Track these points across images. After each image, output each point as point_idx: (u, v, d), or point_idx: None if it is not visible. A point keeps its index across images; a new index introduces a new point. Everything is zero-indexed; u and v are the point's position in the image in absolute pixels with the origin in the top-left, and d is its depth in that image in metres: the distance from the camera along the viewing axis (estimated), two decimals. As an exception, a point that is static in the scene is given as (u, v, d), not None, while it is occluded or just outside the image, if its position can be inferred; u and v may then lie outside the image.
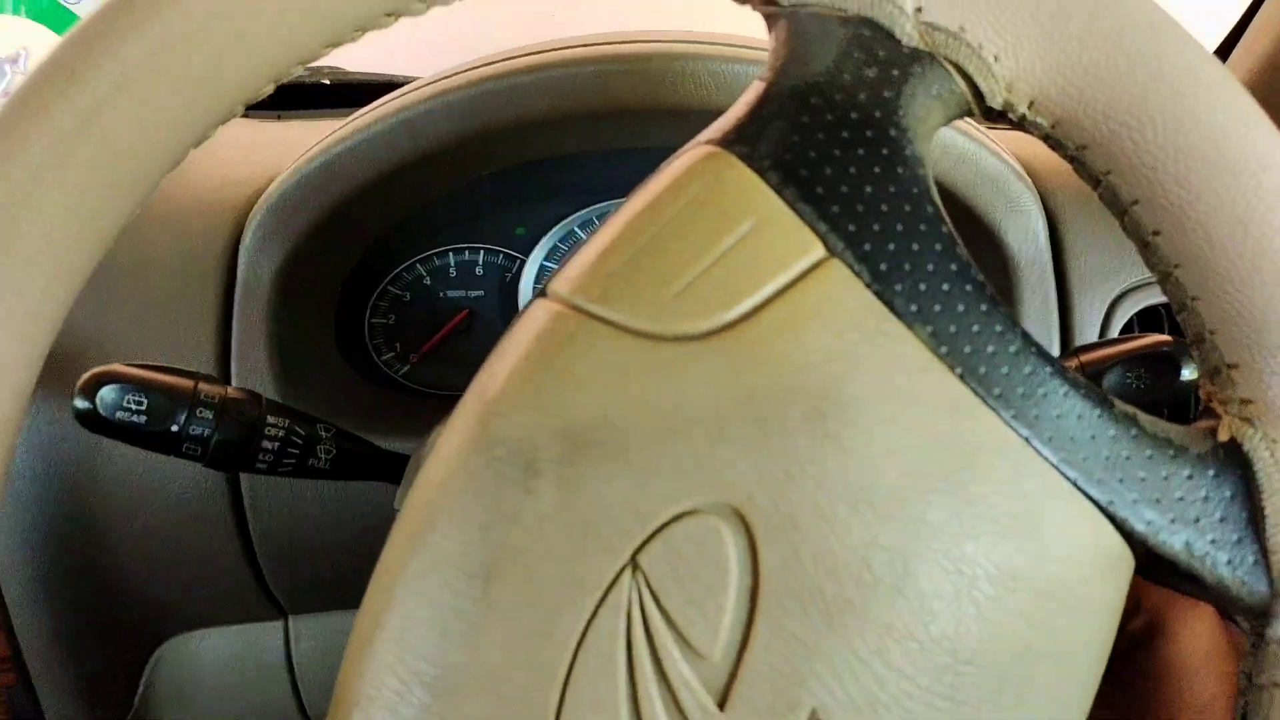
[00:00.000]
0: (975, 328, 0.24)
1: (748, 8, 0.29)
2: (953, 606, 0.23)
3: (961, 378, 0.24)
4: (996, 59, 0.25)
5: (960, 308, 0.24)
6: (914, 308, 0.24)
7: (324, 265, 0.52)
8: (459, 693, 0.23)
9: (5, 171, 0.23)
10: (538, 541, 0.23)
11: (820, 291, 0.24)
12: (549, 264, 0.57)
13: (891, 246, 0.24)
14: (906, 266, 0.24)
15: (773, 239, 0.24)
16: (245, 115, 0.76)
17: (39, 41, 0.64)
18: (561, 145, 0.52)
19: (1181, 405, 0.34)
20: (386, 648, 0.23)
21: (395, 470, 0.41)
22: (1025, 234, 0.48)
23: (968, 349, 0.24)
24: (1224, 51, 0.54)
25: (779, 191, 0.24)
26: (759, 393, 0.23)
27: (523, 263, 0.57)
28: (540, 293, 0.28)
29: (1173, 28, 0.24)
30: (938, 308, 0.24)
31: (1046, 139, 0.26)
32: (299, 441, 0.38)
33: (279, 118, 0.73)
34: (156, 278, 0.49)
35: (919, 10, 0.25)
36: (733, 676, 0.22)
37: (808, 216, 0.24)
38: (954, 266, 0.24)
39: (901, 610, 0.22)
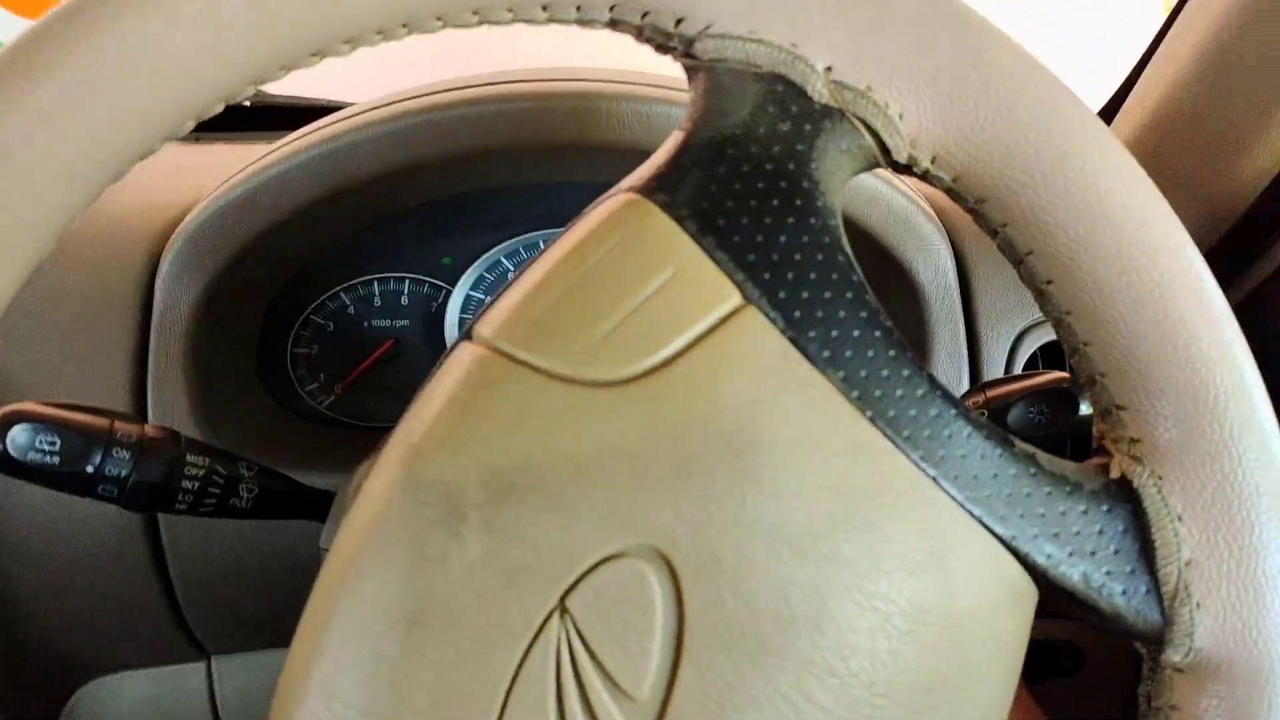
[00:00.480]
0: (884, 372, 0.25)
1: (669, 57, 0.30)
2: (868, 641, 0.24)
3: (872, 420, 0.25)
4: (901, 117, 0.26)
5: (870, 353, 0.25)
6: (826, 354, 0.25)
7: (245, 295, 0.51)
8: None
9: None
10: (465, 587, 0.23)
11: (737, 338, 0.25)
12: (475, 294, 0.57)
13: (805, 294, 0.25)
14: (819, 314, 0.25)
15: (691, 286, 0.25)
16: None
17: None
18: (489, 178, 0.52)
19: (1083, 439, 0.36)
20: (315, 694, 0.23)
21: (320, 508, 0.41)
22: (935, 271, 0.50)
23: (877, 393, 0.25)
24: (1110, 111, 0.57)
25: (697, 240, 0.25)
26: (679, 436, 0.24)
27: (449, 293, 0.57)
28: (465, 335, 0.28)
29: (1065, 95, 0.26)
30: (849, 353, 0.25)
31: (949, 192, 0.28)
32: (220, 481, 0.37)
33: (196, 140, 0.72)
34: (70, 308, 0.48)
35: (829, 70, 0.26)
36: (660, 716, 0.23)
37: (725, 265, 0.25)
38: (864, 314, 0.25)
39: (820, 646, 0.23)
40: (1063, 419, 0.37)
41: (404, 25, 0.26)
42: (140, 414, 0.48)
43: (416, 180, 0.50)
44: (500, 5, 0.26)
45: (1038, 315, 0.51)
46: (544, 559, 0.23)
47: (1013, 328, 0.50)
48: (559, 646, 0.23)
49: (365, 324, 0.57)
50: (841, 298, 0.25)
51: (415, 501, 0.24)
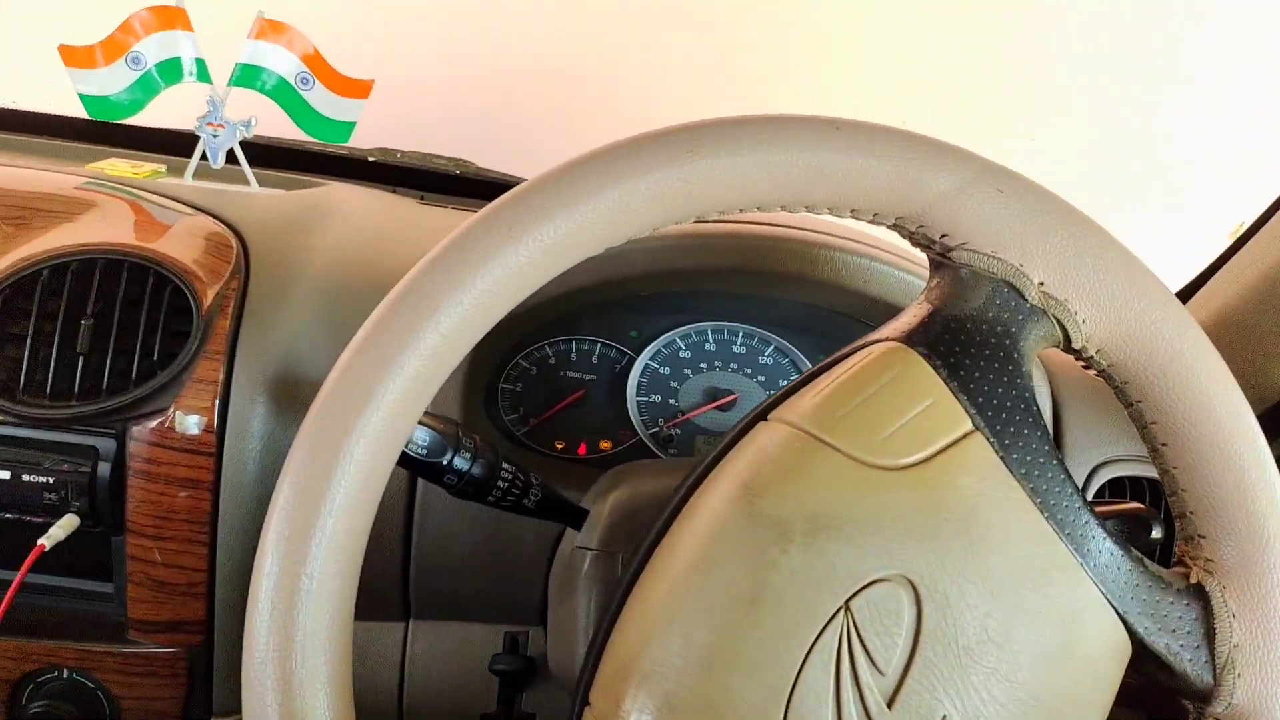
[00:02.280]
0: (1057, 488, 0.39)
1: (920, 250, 0.43)
2: (1030, 662, 0.37)
3: (1047, 519, 0.38)
4: (1085, 321, 0.40)
5: (1049, 474, 0.39)
6: (1023, 470, 0.38)
7: (498, 340, 0.65)
8: (724, 671, 0.36)
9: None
10: (788, 584, 0.36)
11: (968, 452, 0.38)
12: (653, 364, 0.71)
13: (1011, 429, 0.39)
14: (1020, 443, 0.39)
15: (942, 413, 0.39)
16: (395, 190, 0.89)
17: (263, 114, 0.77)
18: (699, 284, 0.66)
19: (1149, 553, 0.49)
20: (673, 635, 0.36)
21: (576, 517, 0.54)
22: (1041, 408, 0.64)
23: (1051, 501, 0.38)
24: (1184, 296, 0.72)
25: (947, 383, 0.39)
26: (930, 510, 0.37)
27: (632, 359, 0.71)
28: (760, 417, 0.41)
29: (1192, 328, 0.40)
30: (1036, 472, 0.39)
31: (1101, 373, 0.42)
32: (520, 484, 0.51)
33: (421, 199, 0.87)
34: None
35: (1042, 284, 0.40)
36: (898, 687, 0.36)
37: (963, 402, 0.39)
38: (1046, 447, 0.39)
39: (1003, 660, 0.36)
40: (1140, 538, 0.50)
41: (721, 211, 0.40)
42: None
43: (652, 280, 0.64)
44: (822, 203, 0.40)
45: (1111, 454, 0.64)
46: (840, 574, 0.36)
47: (1090, 461, 0.64)
48: (842, 632, 0.36)
49: (561, 373, 0.70)
50: (1033, 434, 0.39)
51: (755, 524, 0.37)
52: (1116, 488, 0.65)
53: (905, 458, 0.38)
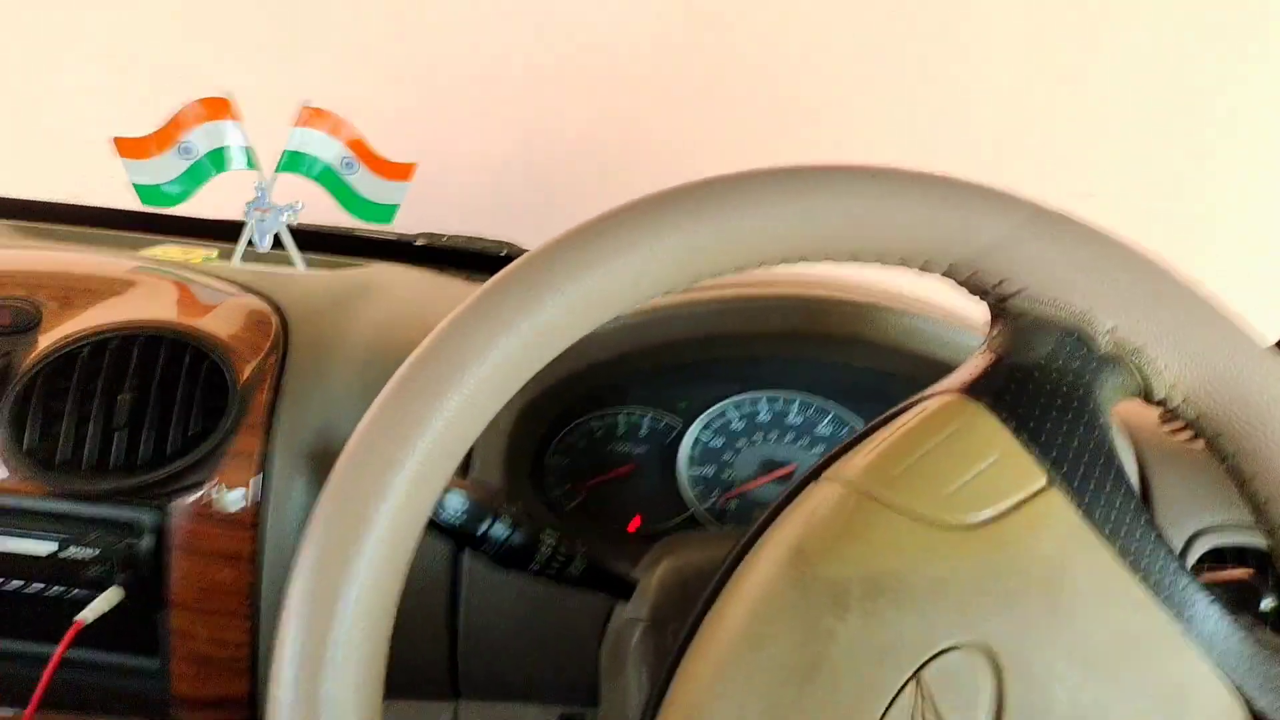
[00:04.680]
0: (1149, 548, 0.34)
1: (975, 298, 0.40)
2: None
3: (1141, 582, 0.34)
4: (1166, 368, 0.36)
5: (1139, 533, 0.34)
6: (1109, 529, 0.34)
7: (539, 411, 0.63)
8: None
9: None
10: (847, 656, 0.32)
11: (1045, 510, 0.34)
12: (704, 434, 0.68)
13: (1092, 484, 0.35)
14: (1103, 500, 0.35)
15: (1012, 468, 0.35)
16: (440, 271, 0.89)
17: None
18: (748, 350, 0.64)
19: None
20: (721, 713, 0.33)
21: (624, 588, 0.50)
22: None
23: (1144, 563, 0.34)
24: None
25: (1015, 435, 0.35)
26: (1005, 573, 0.33)
27: (683, 431, 0.68)
28: (812, 477, 0.38)
29: (1273, 360, 0.36)
30: (1124, 530, 0.34)
31: (1190, 424, 0.37)
32: (564, 553, 0.48)
33: (468, 278, 0.86)
34: None
35: (1112, 330, 0.36)
36: None
37: (1035, 456, 0.35)
38: (1133, 504, 0.35)
39: None
40: (1248, 608, 0.45)
41: (762, 263, 0.37)
42: None
43: (702, 343, 0.62)
44: (870, 253, 0.38)
45: (1209, 522, 0.59)
46: (906, 642, 0.32)
47: (1185, 530, 0.59)
48: (913, 708, 0.32)
49: (609, 446, 0.68)
50: (1118, 490, 0.35)
51: (808, 592, 0.33)
52: (1216, 559, 0.59)
53: (973, 516, 0.34)
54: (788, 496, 0.39)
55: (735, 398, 0.68)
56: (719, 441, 0.68)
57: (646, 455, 0.68)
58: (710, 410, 0.68)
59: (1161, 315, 0.36)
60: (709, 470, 0.68)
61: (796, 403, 0.68)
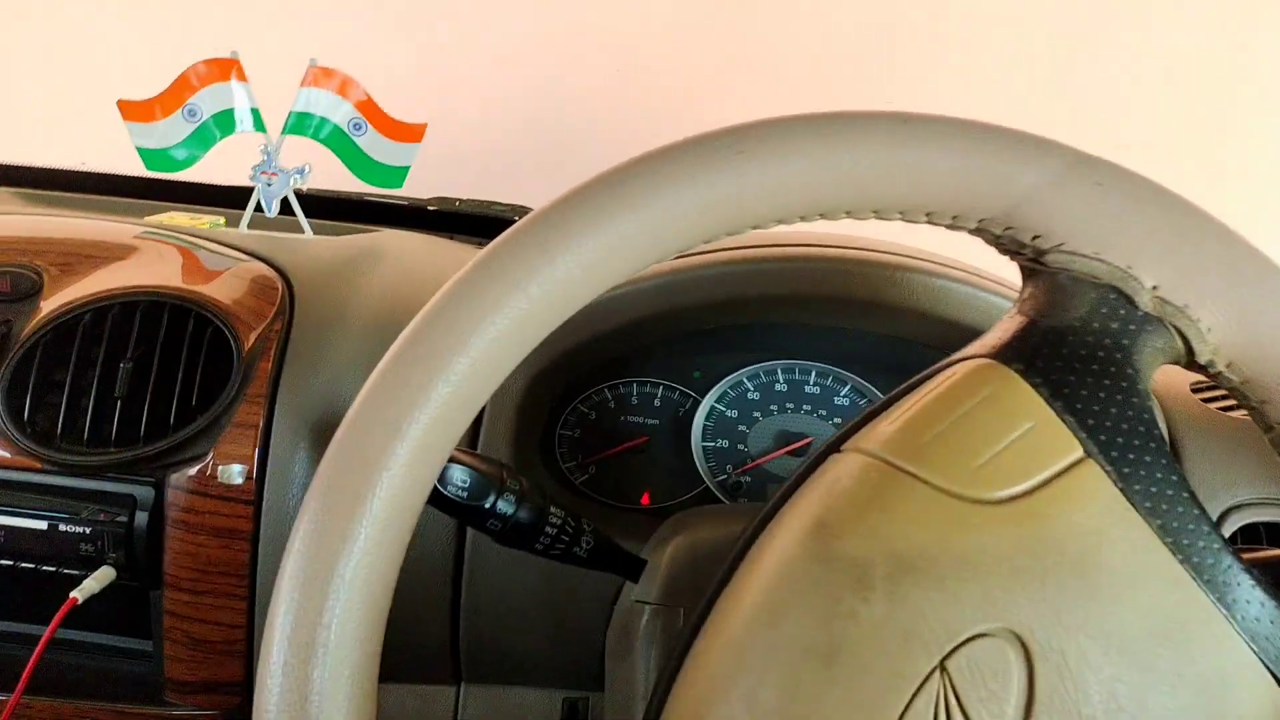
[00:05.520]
0: (1191, 525, 0.32)
1: (1005, 258, 0.38)
2: None
3: (1182, 563, 0.32)
4: (1210, 330, 0.34)
5: (1180, 509, 0.32)
6: (1148, 504, 0.32)
7: (550, 382, 0.61)
8: None
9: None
10: (870, 638, 0.31)
11: (1081, 483, 0.32)
12: (719, 406, 0.66)
13: (1131, 456, 0.33)
14: (1142, 473, 0.33)
15: (1046, 438, 0.33)
16: (451, 237, 0.87)
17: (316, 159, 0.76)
18: (765, 316, 0.62)
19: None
20: (735, 696, 0.31)
21: (633, 568, 0.49)
22: None
23: (1185, 541, 0.32)
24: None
25: (1049, 403, 0.33)
26: (1038, 551, 0.31)
27: (697, 402, 0.66)
28: (833, 448, 0.36)
29: None
30: (1165, 506, 0.32)
31: (1233, 391, 0.35)
32: (570, 530, 0.46)
33: (480, 244, 0.84)
34: None
35: (1155, 287, 0.34)
36: None
37: (1070, 425, 0.33)
38: (1175, 478, 0.33)
39: None
40: None
41: (779, 220, 0.35)
42: None
43: (718, 308, 0.60)
44: (894, 208, 0.36)
45: (1244, 497, 0.57)
46: (932, 627, 0.31)
47: (1219, 505, 0.56)
48: (938, 697, 0.30)
49: (621, 418, 0.66)
50: (1159, 462, 0.33)
51: (830, 568, 0.32)
52: (1250, 537, 0.57)
53: (1004, 489, 0.32)
54: (809, 467, 0.37)
55: (752, 368, 0.67)
56: (734, 413, 0.66)
57: (660, 428, 0.66)
58: (726, 380, 0.66)
59: (1208, 271, 0.34)
60: (723, 443, 0.66)
61: (814, 373, 0.66)
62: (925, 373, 0.37)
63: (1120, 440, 0.33)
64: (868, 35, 1.21)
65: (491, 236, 0.92)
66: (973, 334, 0.58)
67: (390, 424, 0.33)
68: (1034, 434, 0.33)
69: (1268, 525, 0.57)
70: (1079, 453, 0.33)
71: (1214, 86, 1.21)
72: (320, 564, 0.32)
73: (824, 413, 0.66)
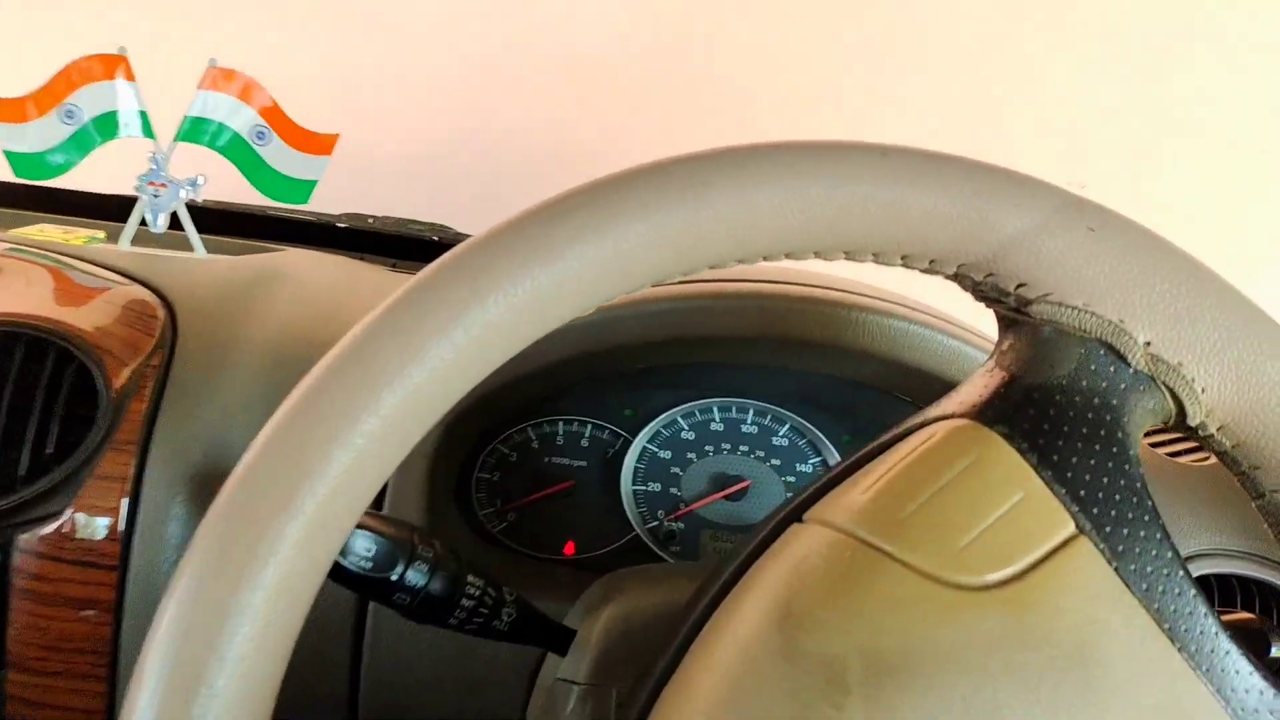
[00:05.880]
0: (1188, 609, 0.29)
1: (982, 306, 0.35)
2: None
3: (1180, 650, 0.29)
4: (1204, 390, 0.31)
5: (1176, 590, 0.29)
6: (1144, 586, 0.29)
7: (467, 423, 0.55)
8: None
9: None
10: None
11: (1073, 563, 0.29)
12: (651, 447, 0.62)
13: (1125, 531, 0.30)
14: (1136, 549, 0.29)
15: (1036, 512, 0.29)
16: (361, 258, 0.81)
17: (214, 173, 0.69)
18: (702, 355, 0.57)
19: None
20: None
21: (560, 641, 0.44)
22: None
23: (1183, 628, 0.29)
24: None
25: (1038, 472, 0.30)
26: (1031, 644, 0.28)
27: (628, 442, 0.62)
28: (794, 518, 0.32)
29: None
30: (1161, 588, 0.29)
31: (1223, 455, 0.32)
32: (490, 602, 0.41)
33: (394, 266, 0.78)
34: None
35: (1148, 344, 0.31)
36: None
37: (1061, 497, 0.30)
38: (1169, 554, 0.30)
39: None
40: (1258, 654, 0.40)
41: (741, 259, 0.31)
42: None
43: (653, 348, 0.55)
44: (865, 249, 0.32)
45: (1201, 547, 0.55)
46: None
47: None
48: None
49: (546, 459, 0.61)
50: (1153, 536, 0.30)
51: (797, 668, 0.27)
52: (1203, 588, 0.55)
53: (993, 573, 0.28)
54: (767, 538, 0.32)
55: (686, 405, 0.62)
56: (667, 454, 0.62)
57: (586, 470, 0.61)
58: (659, 419, 0.62)
59: (1203, 328, 0.31)
60: (655, 486, 0.61)
61: (751, 411, 0.62)
62: (896, 432, 0.33)
63: (1114, 513, 0.30)
64: (828, 70, 1.19)
65: (408, 257, 0.85)
66: (923, 378, 0.55)
67: (284, 493, 0.27)
68: (1023, 507, 0.29)
69: (1222, 577, 0.55)
70: (1071, 528, 0.29)
71: (1183, 120, 1.21)
72: (188, 661, 0.26)
73: (762, 454, 0.62)
